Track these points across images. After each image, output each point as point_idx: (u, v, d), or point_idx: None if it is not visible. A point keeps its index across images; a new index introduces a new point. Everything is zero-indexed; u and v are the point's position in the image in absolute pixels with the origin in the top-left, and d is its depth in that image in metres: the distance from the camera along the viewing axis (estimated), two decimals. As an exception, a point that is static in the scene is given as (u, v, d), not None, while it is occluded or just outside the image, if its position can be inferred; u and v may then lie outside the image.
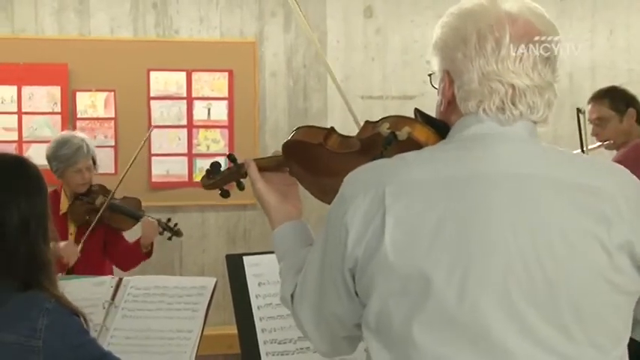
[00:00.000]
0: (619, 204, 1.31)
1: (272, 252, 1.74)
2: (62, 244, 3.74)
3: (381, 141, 1.51)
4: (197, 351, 2.52)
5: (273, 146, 5.38)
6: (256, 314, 2.35)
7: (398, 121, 1.52)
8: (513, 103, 1.36)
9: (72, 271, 3.76)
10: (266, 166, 1.79)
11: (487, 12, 1.37)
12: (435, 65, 1.46)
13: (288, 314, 2.34)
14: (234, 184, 1.95)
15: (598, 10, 5.66)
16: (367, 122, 1.62)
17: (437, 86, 1.48)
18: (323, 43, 5.41)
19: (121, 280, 2.73)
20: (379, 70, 5.38)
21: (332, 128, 1.70)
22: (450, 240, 1.28)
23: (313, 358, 2.29)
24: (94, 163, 3.98)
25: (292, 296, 1.55)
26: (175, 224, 4.19)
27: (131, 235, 4.07)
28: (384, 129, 1.52)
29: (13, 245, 1.94)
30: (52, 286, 1.96)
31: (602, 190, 1.31)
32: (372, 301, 1.34)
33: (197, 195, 5.17)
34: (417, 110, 1.55)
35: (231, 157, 1.94)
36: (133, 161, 4.06)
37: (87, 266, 3.73)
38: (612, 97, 4.22)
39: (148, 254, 4.02)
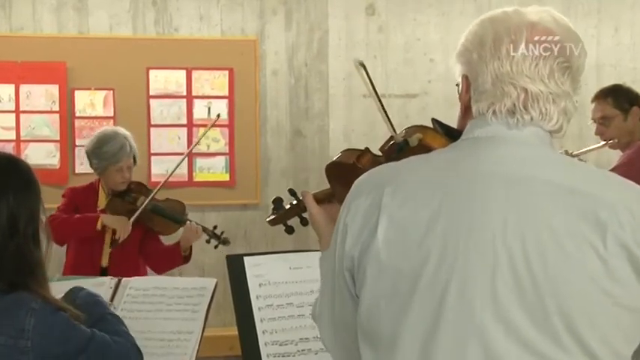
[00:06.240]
0: (618, 213, 1.26)
1: (273, 252, 1.76)
2: (114, 217, 3.79)
3: (395, 148, 1.61)
4: (197, 352, 2.50)
5: (274, 145, 5.35)
6: (257, 315, 2.34)
7: (413, 129, 1.62)
8: (525, 108, 1.34)
9: (107, 271, 3.71)
10: (321, 197, 1.87)
11: (509, 18, 1.39)
12: (457, 73, 1.46)
13: (289, 315, 2.35)
14: (298, 219, 2.01)
15: (603, 8, 5.64)
16: (391, 137, 1.74)
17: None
18: (325, 41, 5.38)
19: (120, 280, 2.72)
20: (381, 69, 5.35)
21: (366, 149, 1.79)
22: (439, 237, 1.28)
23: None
24: (135, 161, 3.94)
25: None
26: (222, 232, 4.11)
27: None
28: (399, 137, 1.62)
29: (0, 245, 1.91)
30: (40, 288, 1.94)
31: (601, 198, 1.27)
32: (363, 299, 1.34)
33: (197, 194, 5.16)
34: (434, 120, 1.62)
35: (290, 192, 2.01)
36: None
37: (122, 266, 3.65)
38: (616, 96, 4.19)
39: (187, 259, 3.97)
